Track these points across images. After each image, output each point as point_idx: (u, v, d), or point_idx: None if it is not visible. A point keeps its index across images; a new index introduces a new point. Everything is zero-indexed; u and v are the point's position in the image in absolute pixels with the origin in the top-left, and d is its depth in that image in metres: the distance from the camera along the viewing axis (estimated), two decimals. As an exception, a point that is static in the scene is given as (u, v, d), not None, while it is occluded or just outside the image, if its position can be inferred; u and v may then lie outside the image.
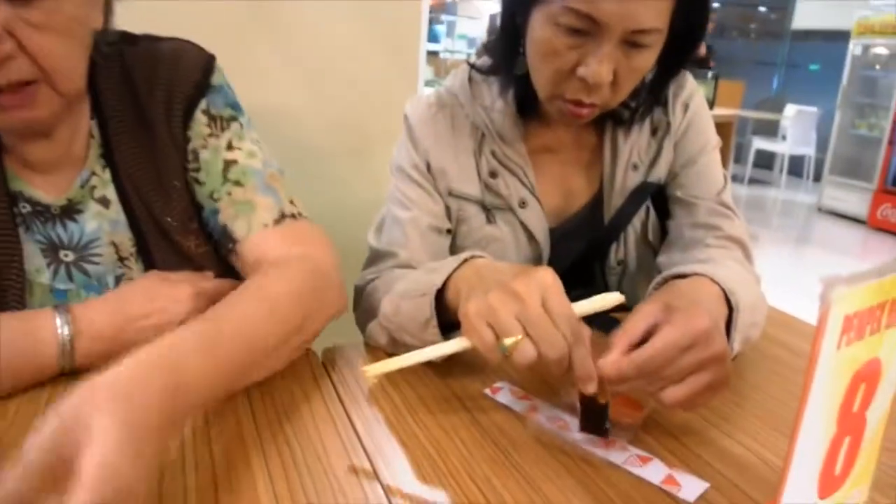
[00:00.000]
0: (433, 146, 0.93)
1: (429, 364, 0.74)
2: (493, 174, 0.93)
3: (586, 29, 0.75)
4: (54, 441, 0.41)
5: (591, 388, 0.58)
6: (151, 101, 0.77)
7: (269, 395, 0.66)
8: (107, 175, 0.77)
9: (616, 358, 0.58)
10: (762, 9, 8.21)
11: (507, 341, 0.58)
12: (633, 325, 0.60)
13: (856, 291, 0.42)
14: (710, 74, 5.40)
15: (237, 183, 0.79)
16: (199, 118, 0.79)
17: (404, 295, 0.74)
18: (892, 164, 5.58)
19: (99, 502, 0.39)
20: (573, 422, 0.63)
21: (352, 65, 1.56)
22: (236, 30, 1.42)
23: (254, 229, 0.77)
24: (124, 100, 0.77)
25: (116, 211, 0.77)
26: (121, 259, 0.78)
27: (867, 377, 0.46)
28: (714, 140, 0.97)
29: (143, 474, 0.43)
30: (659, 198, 0.97)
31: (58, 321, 0.64)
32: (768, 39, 8.12)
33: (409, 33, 1.62)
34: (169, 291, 0.71)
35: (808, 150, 6.76)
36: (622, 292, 0.94)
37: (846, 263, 4.67)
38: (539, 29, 0.79)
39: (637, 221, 0.96)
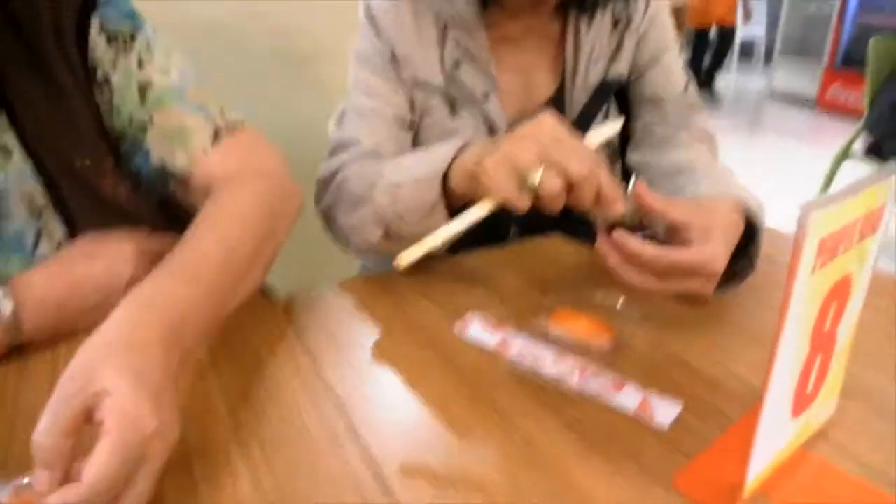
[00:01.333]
0: (396, 34, 0.90)
1: (396, 303, 0.73)
2: (457, 64, 0.91)
3: None
4: (71, 404, 0.42)
5: (620, 208, 0.63)
6: (37, 30, 0.68)
7: (237, 361, 0.64)
8: (3, 120, 0.68)
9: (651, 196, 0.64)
10: None
11: (532, 176, 0.60)
12: (675, 205, 0.65)
13: (830, 214, 0.41)
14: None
15: (159, 105, 0.73)
16: (97, 40, 0.71)
17: (401, 183, 0.73)
18: (840, 42, 5.58)
19: (126, 454, 0.40)
20: (547, 352, 0.63)
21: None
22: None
23: (194, 157, 0.73)
24: (6, 32, 0.67)
25: (20, 158, 0.69)
26: (36, 212, 0.71)
27: (839, 295, 0.46)
28: (674, 37, 0.98)
29: (168, 414, 0.45)
30: (620, 96, 0.97)
31: None
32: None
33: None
34: (111, 249, 0.68)
35: (759, 32, 6.71)
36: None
37: (798, 148, 4.74)
38: None
39: (600, 119, 0.96)
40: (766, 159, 4.34)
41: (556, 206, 0.63)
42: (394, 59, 0.91)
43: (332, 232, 0.87)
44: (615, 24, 0.94)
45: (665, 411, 0.55)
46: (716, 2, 5.73)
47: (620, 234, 0.63)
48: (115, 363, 0.44)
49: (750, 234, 0.71)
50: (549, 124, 0.64)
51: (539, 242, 0.89)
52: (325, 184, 0.86)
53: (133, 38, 0.73)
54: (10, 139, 0.69)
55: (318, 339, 0.67)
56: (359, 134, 0.87)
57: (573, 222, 0.93)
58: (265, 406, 0.56)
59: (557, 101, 0.96)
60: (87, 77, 0.72)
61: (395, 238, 0.75)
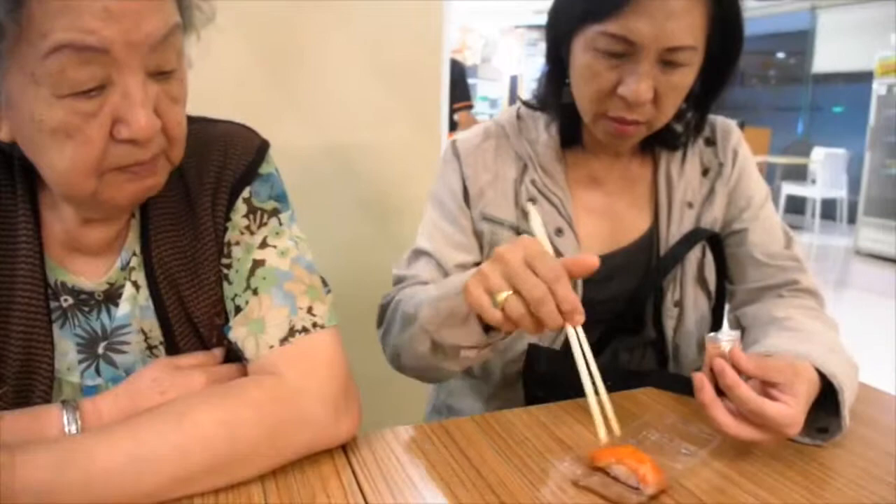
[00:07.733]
0: (473, 171, 0.96)
1: (462, 452, 0.69)
2: (532, 201, 0.94)
3: (623, 51, 0.79)
4: None
5: (578, 319, 0.65)
6: (199, 186, 0.73)
7: (286, 491, 0.62)
8: (139, 260, 0.72)
9: (741, 359, 0.66)
10: (781, 54, 8.21)
11: (498, 297, 0.65)
12: (769, 364, 0.67)
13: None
14: (735, 123, 5.38)
15: (255, 292, 0.71)
16: (240, 207, 0.74)
17: (441, 298, 0.78)
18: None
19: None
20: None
21: (374, 135, 1.57)
22: (258, 103, 1.42)
23: (261, 351, 0.70)
24: (170, 181, 0.70)
25: (145, 296, 0.72)
26: (150, 348, 0.73)
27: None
28: (766, 189, 0.99)
29: None
30: (715, 244, 0.97)
31: (65, 418, 0.61)
32: (790, 84, 8.08)
33: (430, 100, 1.63)
34: (181, 382, 0.68)
35: (840, 193, 6.64)
36: (675, 340, 0.96)
37: (888, 305, 4.53)
38: (580, 55, 0.83)
39: (693, 258, 0.95)
40: (858, 316, 4.15)
41: (524, 324, 0.65)
42: (466, 194, 0.96)
43: (386, 352, 0.90)
44: (705, 172, 0.96)
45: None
46: None
47: (722, 363, 0.64)
48: None
49: (830, 396, 0.69)
50: (522, 246, 0.67)
51: (629, 394, 0.84)
52: (383, 309, 0.92)
53: (269, 217, 0.75)
54: (141, 277, 0.72)
55: (375, 482, 0.64)
56: (418, 272, 0.93)
57: (666, 376, 0.91)
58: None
59: (647, 243, 0.96)
60: (222, 242, 0.74)
61: (440, 349, 0.78)
